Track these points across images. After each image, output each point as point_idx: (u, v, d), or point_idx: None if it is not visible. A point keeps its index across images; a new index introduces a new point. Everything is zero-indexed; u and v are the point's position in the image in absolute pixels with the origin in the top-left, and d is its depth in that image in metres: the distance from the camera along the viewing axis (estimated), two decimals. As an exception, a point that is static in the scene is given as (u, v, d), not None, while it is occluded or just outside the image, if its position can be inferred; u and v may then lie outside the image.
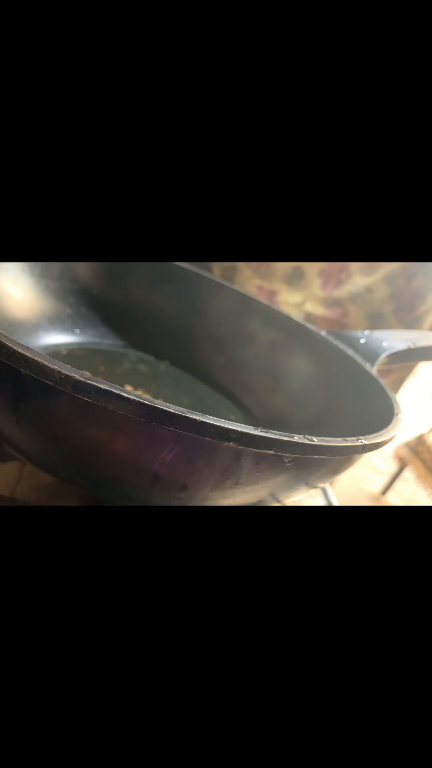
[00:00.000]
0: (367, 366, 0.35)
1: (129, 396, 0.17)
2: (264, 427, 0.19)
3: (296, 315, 0.48)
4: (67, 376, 0.17)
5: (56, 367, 0.17)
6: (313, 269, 0.53)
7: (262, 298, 0.48)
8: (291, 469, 0.21)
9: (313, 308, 0.54)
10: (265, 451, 0.19)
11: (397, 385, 0.64)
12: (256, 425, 0.19)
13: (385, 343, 0.38)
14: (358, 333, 0.39)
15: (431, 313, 0.57)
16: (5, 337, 0.18)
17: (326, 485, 0.36)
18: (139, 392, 0.17)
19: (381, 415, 0.28)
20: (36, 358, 0.17)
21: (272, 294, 0.55)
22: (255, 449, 0.19)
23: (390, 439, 0.24)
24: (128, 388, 0.20)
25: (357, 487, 1.53)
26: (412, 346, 0.39)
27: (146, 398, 0.17)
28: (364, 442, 0.22)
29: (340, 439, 0.21)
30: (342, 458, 0.23)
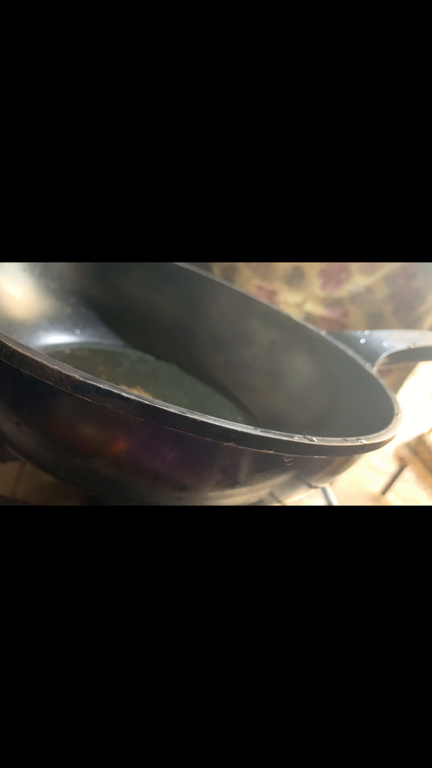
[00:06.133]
0: (367, 366, 0.35)
1: (129, 396, 0.17)
2: (264, 427, 0.19)
3: (296, 315, 0.48)
4: (67, 376, 0.17)
5: (56, 367, 0.17)
6: (313, 269, 0.53)
7: (262, 298, 0.48)
8: (291, 469, 0.21)
9: (313, 308, 0.54)
10: (265, 451, 0.19)
11: (397, 385, 0.64)
12: (256, 425, 0.19)
13: (385, 343, 0.38)
14: (358, 333, 0.39)
15: (431, 313, 0.57)
16: (5, 337, 0.18)
17: (326, 485, 0.36)
18: (138, 392, 0.17)
19: (381, 415, 0.28)
20: (36, 358, 0.17)
21: (272, 294, 0.55)
22: (255, 449, 0.19)
23: (390, 439, 0.24)
24: (126, 388, 0.20)
25: (357, 487, 1.53)
26: (412, 346, 0.39)
27: (146, 398, 0.17)
28: (364, 442, 0.22)
29: (340, 439, 0.21)
30: (342, 458, 0.23)
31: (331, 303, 0.54)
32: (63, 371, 0.17)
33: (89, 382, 0.17)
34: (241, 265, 0.55)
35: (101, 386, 0.17)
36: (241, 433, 0.18)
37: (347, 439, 0.22)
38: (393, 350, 0.38)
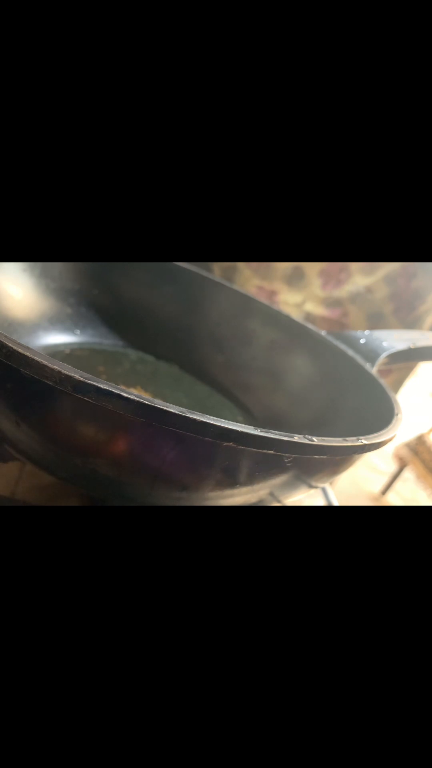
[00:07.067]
0: (367, 366, 0.35)
1: (129, 396, 0.17)
2: (264, 427, 0.19)
3: (296, 315, 0.48)
4: (67, 376, 0.17)
5: (56, 367, 0.17)
6: (313, 269, 0.53)
7: (262, 298, 0.48)
8: (291, 469, 0.21)
9: (313, 308, 0.54)
10: (265, 451, 0.19)
11: (397, 385, 0.64)
12: (256, 425, 0.19)
13: (385, 343, 0.38)
14: (358, 333, 0.39)
15: (431, 313, 0.57)
16: (5, 337, 0.18)
17: (326, 485, 0.36)
18: (138, 392, 0.17)
19: (381, 415, 0.28)
20: (36, 358, 0.17)
21: (272, 294, 0.55)
22: (255, 449, 0.19)
23: (390, 439, 0.24)
24: (126, 388, 0.20)
25: (357, 487, 1.53)
26: (412, 346, 0.39)
27: (146, 398, 0.17)
28: (364, 442, 0.22)
29: (340, 439, 0.21)
30: (342, 458, 0.23)
31: (331, 303, 0.54)
32: (63, 371, 0.17)
33: (89, 382, 0.17)
34: (241, 265, 0.55)
35: (101, 386, 0.17)
36: (241, 433, 0.18)
37: (347, 439, 0.22)
38: (393, 350, 0.38)
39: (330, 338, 0.38)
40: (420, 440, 1.41)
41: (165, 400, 0.18)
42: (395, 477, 1.50)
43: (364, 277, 0.53)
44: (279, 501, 0.25)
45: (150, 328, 0.42)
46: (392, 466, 1.53)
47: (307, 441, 0.19)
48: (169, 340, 0.42)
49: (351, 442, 0.22)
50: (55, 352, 0.37)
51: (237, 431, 0.18)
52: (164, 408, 0.17)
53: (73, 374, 0.17)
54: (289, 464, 0.21)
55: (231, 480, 0.21)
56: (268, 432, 0.19)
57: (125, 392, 0.17)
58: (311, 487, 0.25)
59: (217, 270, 0.57)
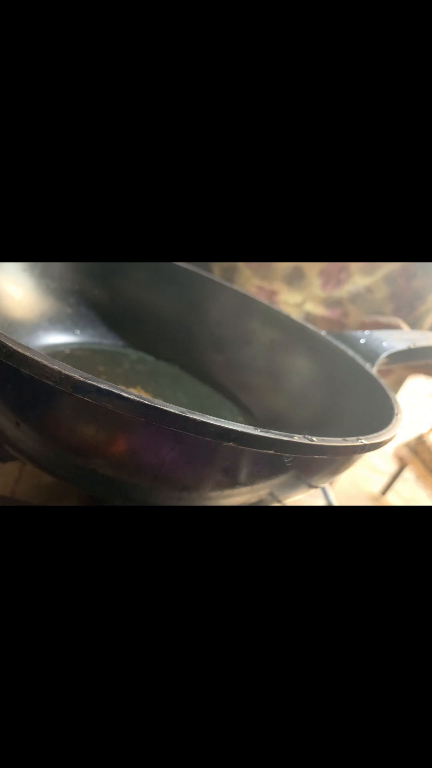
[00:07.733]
0: (367, 366, 0.35)
1: (129, 396, 0.17)
2: (264, 427, 0.19)
3: (296, 315, 0.48)
4: (67, 376, 0.17)
5: (56, 367, 0.17)
6: (313, 269, 0.54)
7: (262, 298, 0.48)
8: (291, 469, 0.21)
9: (313, 308, 0.55)
10: (265, 451, 0.19)
11: (397, 385, 0.64)
12: (256, 425, 0.19)
13: (385, 343, 0.38)
14: (358, 333, 0.39)
15: (431, 313, 0.57)
16: (5, 337, 0.18)
17: (326, 485, 0.36)
18: (138, 392, 0.17)
19: (381, 415, 0.28)
20: (36, 358, 0.17)
21: (272, 294, 0.55)
22: (255, 449, 0.19)
23: (390, 439, 0.24)
24: (126, 388, 0.20)
25: (357, 487, 1.53)
26: (412, 346, 0.39)
27: (146, 398, 0.17)
28: (364, 442, 0.22)
29: (340, 439, 0.21)
30: (342, 458, 0.23)
31: (331, 303, 0.54)
32: (63, 371, 0.17)
33: (89, 382, 0.17)
34: (241, 265, 0.55)
35: (101, 386, 0.17)
36: (241, 433, 0.18)
37: (347, 439, 0.22)
38: (393, 350, 0.38)
39: (330, 338, 0.38)
40: (420, 440, 1.42)
41: (165, 400, 0.18)
42: (395, 477, 1.50)
43: (364, 277, 0.53)
44: (279, 501, 0.25)
45: (150, 328, 0.42)
46: (392, 466, 1.53)
47: (307, 441, 0.19)
48: (169, 340, 0.42)
49: (351, 442, 0.22)
50: (55, 352, 0.37)
51: (237, 431, 0.18)
52: (164, 408, 0.17)
53: (73, 374, 0.17)
54: (289, 464, 0.21)
55: (231, 480, 0.21)
56: (268, 432, 0.19)
57: (125, 392, 0.17)
58: (311, 487, 0.25)
59: (217, 270, 0.57)
